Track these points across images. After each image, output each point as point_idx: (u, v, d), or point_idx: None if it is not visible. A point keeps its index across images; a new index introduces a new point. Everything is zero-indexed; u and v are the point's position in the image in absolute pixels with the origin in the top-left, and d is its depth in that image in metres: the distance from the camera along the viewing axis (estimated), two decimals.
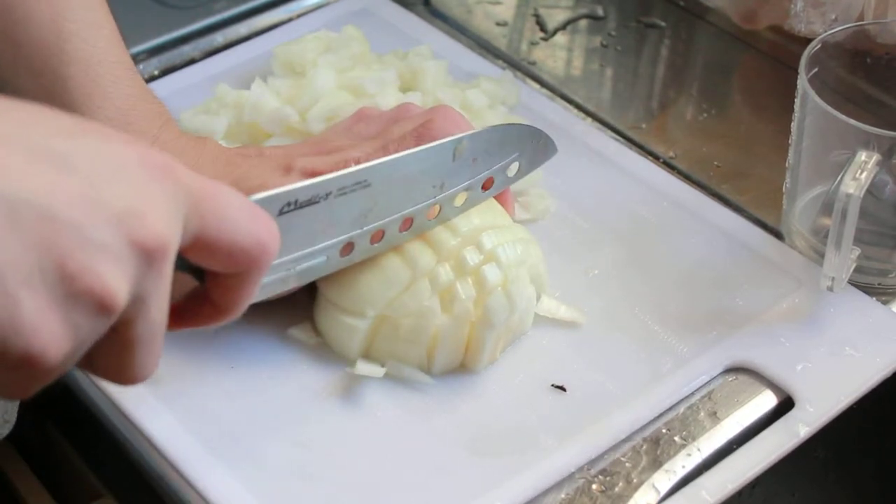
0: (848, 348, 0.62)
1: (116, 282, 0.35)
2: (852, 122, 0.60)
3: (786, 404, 0.60)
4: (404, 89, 0.74)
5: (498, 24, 0.88)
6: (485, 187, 0.60)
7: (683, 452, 0.57)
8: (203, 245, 0.39)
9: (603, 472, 0.56)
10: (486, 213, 0.61)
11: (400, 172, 0.56)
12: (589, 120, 0.79)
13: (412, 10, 0.87)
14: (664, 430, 0.58)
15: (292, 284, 0.54)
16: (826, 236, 0.61)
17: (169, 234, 0.36)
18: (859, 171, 0.59)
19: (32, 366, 0.34)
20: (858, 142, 0.60)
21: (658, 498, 0.55)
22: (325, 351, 0.61)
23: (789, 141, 0.66)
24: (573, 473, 0.56)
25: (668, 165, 0.75)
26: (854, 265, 0.63)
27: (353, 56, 0.75)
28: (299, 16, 0.86)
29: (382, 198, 0.55)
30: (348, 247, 0.55)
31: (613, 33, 0.87)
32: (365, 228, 0.56)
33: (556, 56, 0.86)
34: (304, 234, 0.52)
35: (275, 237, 0.41)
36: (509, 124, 0.61)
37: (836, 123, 0.61)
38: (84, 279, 0.34)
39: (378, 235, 0.57)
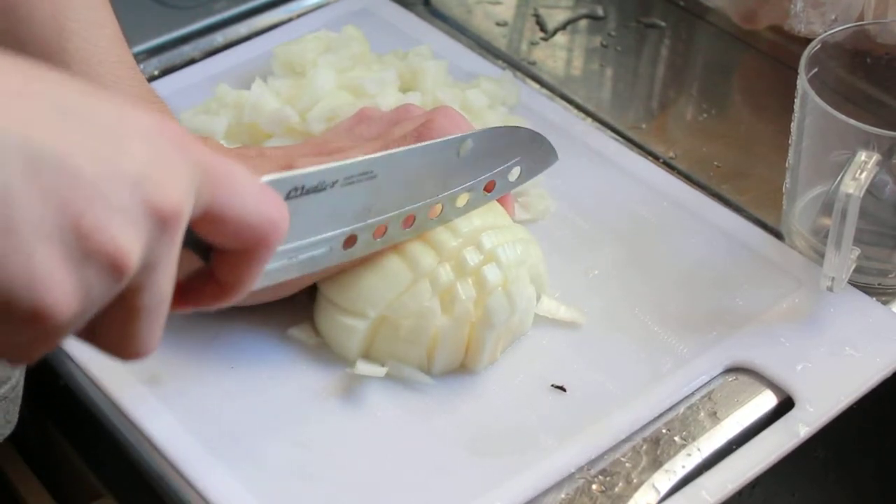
0: (848, 348, 0.62)
1: (130, 244, 0.35)
2: (852, 122, 0.60)
3: (786, 404, 0.60)
4: (404, 89, 0.74)
5: (498, 24, 0.88)
6: (486, 190, 0.60)
7: (683, 452, 0.57)
8: (213, 218, 0.39)
9: (603, 472, 0.56)
10: (487, 214, 0.61)
11: (405, 166, 0.56)
12: (589, 120, 0.79)
13: (412, 10, 0.87)
14: (664, 431, 0.58)
15: (294, 274, 0.53)
16: (826, 236, 0.61)
17: (183, 202, 0.37)
18: (859, 171, 0.59)
19: (40, 322, 0.34)
20: (858, 142, 0.60)
21: (658, 498, 0.55)
22: (325, 351, 0.61)
23: (789, 141, 0.66)
24: (573, 473, 0.56)
25: (668, 165, 0.75)
26: (854, 265, 0.63)
27: (353, 56, 0.75)
28: (299, 16, 0.86)
29: (386, 192, 0.55)
30: (351, 239, 0.55)
31: (613, 33, 0.87)
32: (368, 222, 0.56)
33: (556, 56, 0.86)
34: (308, 222, 0.52)
35: (284, 216, 0.41)
36: (513, 127, 0.62)
37: (836, 123, 0.61)
38: (99, 238, 0.34)
39: (381, 230, 0.57)
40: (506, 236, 0.60)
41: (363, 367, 0.58)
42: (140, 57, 0.81)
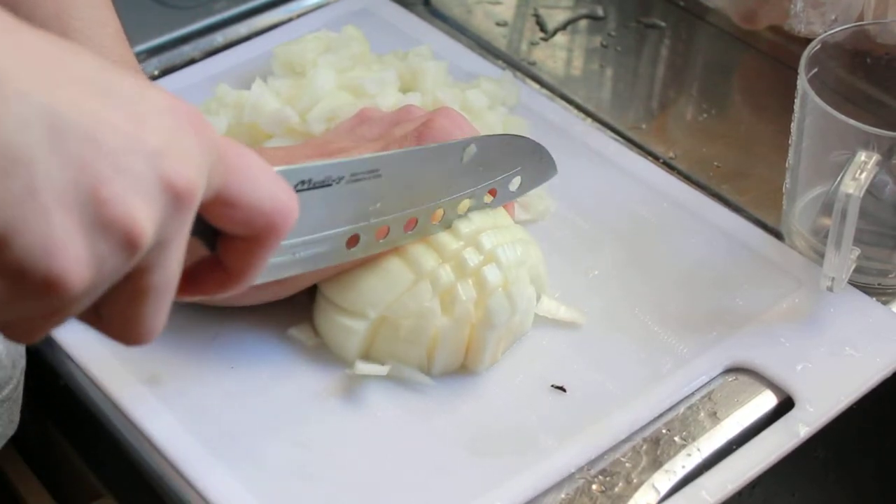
0: (848, 348, 0.62)
1: (145, 218, 0.35)
2: (852, 122, 0.60)
3: (786, 404, 0.60)
4: (404, 90, 0.74)
5: (498, 24, 0.88)
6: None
7: (683, 453, 0.57)
8: (225, 202, 0.39)
9: (603, 472, 0.56)
10: (487, 215, 0.61)
11: (410, 166, 0.56)
12: (589, 120, 0.79)
13: (412, 10, 0.87)
14: (664, 431, 0.58)
15: (296, 270, 0.53)
16: (826, 236, 0.61)
17: (198, 181, 0.37)
18: (859, 172, 0.59)
19: (53, 291, 0.34)
20: (858, 142, 0.60)
21: (658, 498, 0.55)
22: (325, 351, 0.61)
23: (789, 141, 0.66)
24: (573, 474, 0.56)
25: (668, 166, 0.75)
26: (854, 265, 0.63)
27: (353, 56, 0.75)
28: (299, 16, 0.86)
29: (390, 192, 0.56)
30: (353, 239, 0.55)
31: (613, 33, 0.87)
32: (371, 222, 0.56)
33: (556, 56, 0.86)
34: (313, 218, 0.52)
35: (294, 204, 0.41)
36: (516, 136, 0.62)
37: (835, 123, 0.61)
38: (116, 208, 0.34)
39: (383, 232, 0.57)
40: (505, 237, 0.60)
41: (363, 367, 0.58)
42: (140, 57, 0.81)
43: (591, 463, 0.57)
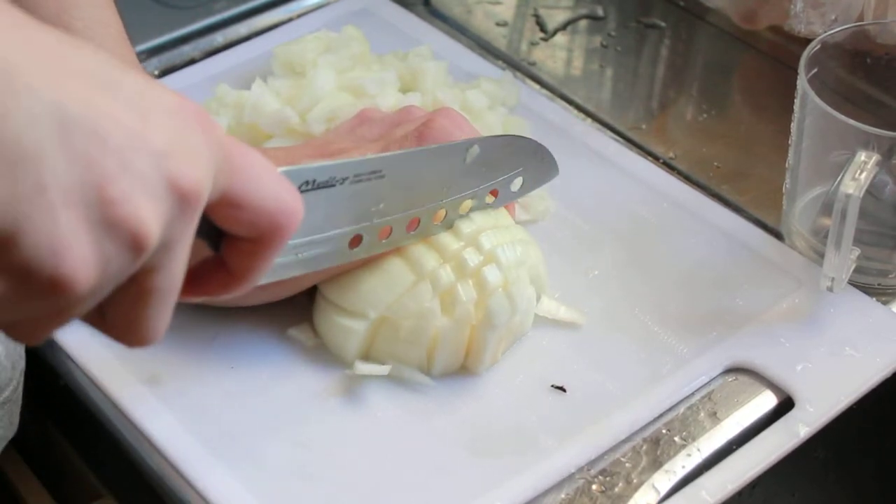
0: (848, 348, 0.62)
1: (151, 218, 0.35)
2: (852, 122, 0.60)
3: (786, 404, 0.60)
4: (404, 90, 0.74)
5: (498, 24, 0.88)
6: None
7: (683, 453, 0.57)
8: (230, 203, 0.39)
9: (603, 472, 0.56)
10: (488, 215, 0.61)
11: (413, 167, 0.56)
12: (589, 120, 0.79)
13: (412, 10, 0.87)
14: (664, 431, 0.58)
15: (299, 271, 0.53)
16: (826, 236, 0.61)
17: (204, 181, 0.37)
18: (859, 172, 0.59)
19: (59, 291, 0.34)
20: (858, 142, 0.60)
21: (658, 498, 0.55)
22: (325, 351, 0.61)
23: (789, 141, 0.66)
24: (573, 474, 0.56)
25: (668, 166, 0.75)
26: (854, 265, 0.63)
27: (353, 56, 0.75)
28: (299, 16, 0.86)
29: (393, 192, 0.56)
30: (356, 239, 0.55)
31: (613, 33, 0.87)
32: (374, 222, 0.56)
33: (556, 56, 0.86)
34: (316, 218, 0.52)
35: (299, 205, 0.41)
36: (518, 137, 0.62)
37: (835, 124, 0.61)
38: (122, 207, 0.34)
39: (386, 232, 0.57)
40: (505, 237, 0.60)
41: (363, 367, 0.58)
42: (140, 57, 0.81)
43: (591, 463, 0.57)
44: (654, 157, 0.75)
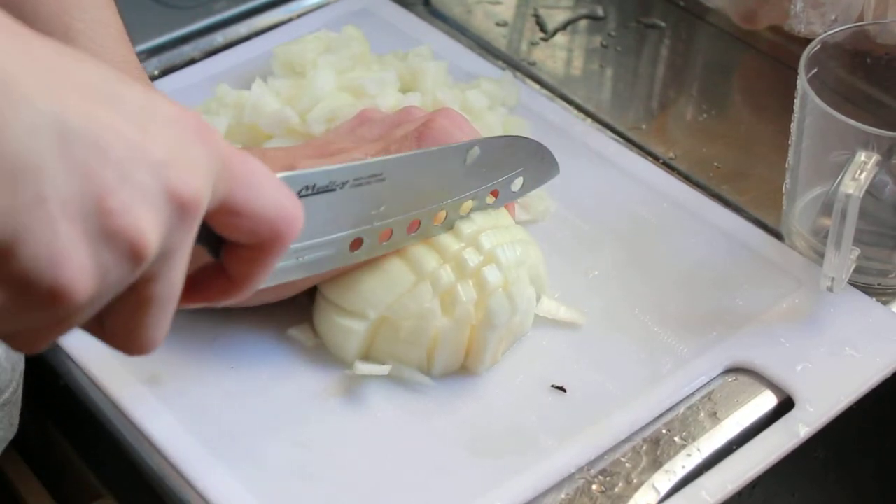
0: (848, 348, 0.62)
1: (151, 229, 0.35)
2: (852, 122, 0.60)
3: (786, 404, 0.60)
4: (404, 90, 0.74)
5: (498, 24, 0.88)
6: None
7: (683, 453, 0.57)
8: (230, 210, 0.39)
9: (603, 472, 0.56)
10: (489, 215, 0.61)
11: (413, 170, 0.56)
12: (589, 120, 0.79)
13: (412, 10, 0.87)
14: (664, 431, 0.58)
15: (300, 274, 0.53)
16: (826, 236, 0.61)
17: (203, 191, 0.37)
18: (859, 172, 0.59)
19: (58, 302, 0.34)
20: (858, 142, 0.60)
21: (658, 498, 0.55)
22: (325, 351, 0.61)
23: (789, 141, 0.66)
24: (573, 474, 0.56)
25: (668, 166, 0.75)
26: (854, 265, 0.63)
27: (353, 56, 0.75)
28: (299, 16, 0.86)
29: (394, 195, 0.56)
30: (357, 242, 0.55)
31: (613, 33, 0.87)
32: (374, 225, 0.56)
33: (556, 56, 0.86)
34: (316, 222, 0.52)
35: (299, 211, 0.41)
36: (519, 137, 0.62)
37: (835, 124, 0.61)
38: (122, 218, 0.34)
39: (386, 234, 0.57)
40: (505, 237, 0.60)
41: (363, 367, 0.58)
42: (140, 57, 0.80)
43: (591, 463, 0.57)
44: (654, 157, 0.75)
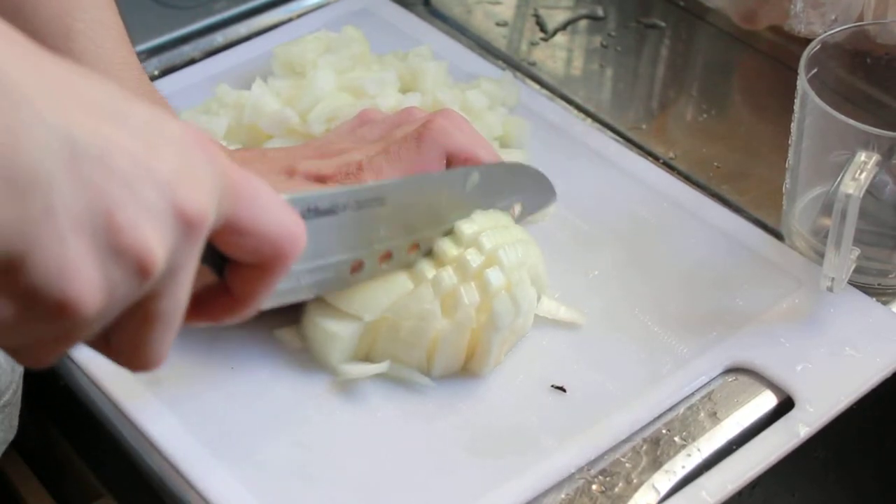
0: (848, 348, 0.62)
1: (157, 245, 0.35)
2: (852, 122, 0.60)
3: (786, 404, 0.60)
4: (404, 90, 0.74)
5: (498, 24, 0.88)
6: None
7: (683, 453, 0.57)
8: (234, 229, 0.39)
9: (603, 472, 0.56)
10: (489, 215, 0.61)
11: (414, 194, 0.57)
12: (589, 120, 0.79)
13: (412, 11, 0.87)
14: (664, 431, 0.58)
15: (301, 297, 0.55)
16: (826, 237, 0.61)
17: (208, 208, 0.37)
18: (859, 172, 0.59)
19: (66, 316, 0.34)
20: (858, 142, 0.60)
21: (658, 498, 0.55)
22: None
23: (789, 141, 0.66)
24: (573, 474, 0.56)
25: (668, 166, 0.75)
26: (854, 265, 0.63)
27: (353, 56, 0.75)
28: (299, 16, 0.86)
29: (394, 218, 0.57)
30: (357, 265, 0.56)
31: (613, 34, 0.87)
32: (375, 247, 0.57)
33: (556, 56, 0.86)
34: (318, 244, 0.53)
35: (302, 232, 0.41)
36: (518, 164, 0.64)
37: (835, 124, 0.61)
38: (129, 234, 0.35)
39: (387, 256, 0.58)
40: (505, 237, 0.60)
41: (350, 370, 0.58)
42: (140, 57, 0.80)
43: (591, 463, 0.57)
44: (654, 157, 0.75)
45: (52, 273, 0.33)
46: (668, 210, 0.70)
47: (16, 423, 0.60)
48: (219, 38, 0.84)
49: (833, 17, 0.74)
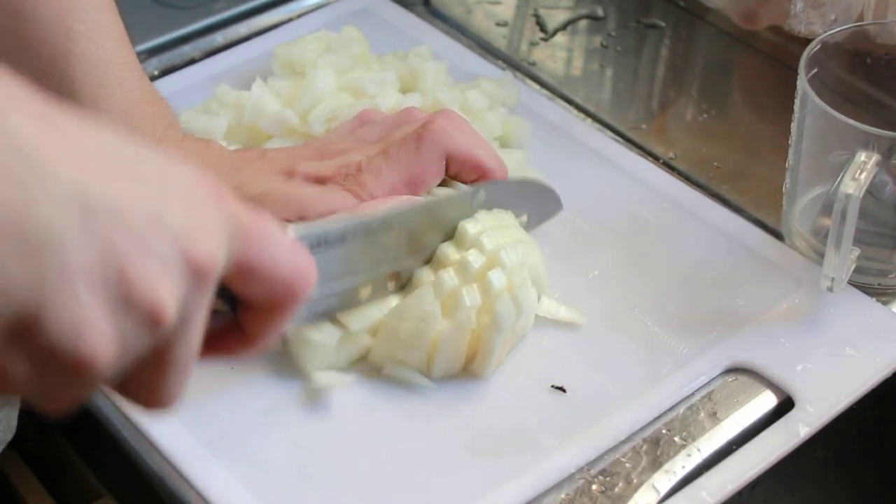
0: (848, 348, 0.62)
1: (168, 296, 0.35)
2: (852, 122, 0.60)
3: (786, 404, 0.60)
4: (404, 90, 0.74)
5: (498, 24, 0.88)
6: None
7: (683, 453, 0.57)
8: (244, 271, 0.40)
9: (603, 472, 0.56)
10: (492, 213, 0.61)
11: (422, 218, 0.58)
12: (589, 120, 0.79)
13: (412, 11, 0.87)
14: (664, 431, 0.58)
15: (311, 322, 0.56)
16: (826, 237, 0.61)
17: (218, 256, 0.37)
18: (859, 172, 0.59)
19: (82, 370, 0.34)
20: (858, 142, 0.60)
21: (658, 498, 0.55)
22: None
23: (789, 141, 0.66)
24: (573, 474, 0.56)
25: (668, 166, 0.75)
26: (854, 265, 0.63)
27: (353, 56, 0.75)
28: (299, 16, 0.86)
29: (403, 241, 0.57)
30: (366, 289, 0.57)
31: (613, 34, 0.87)
32: (383, 269, 0.57)
33: (556, 56, 0.86)
34: (328, 273, 0.54)
35: (312, 269, 0.42)
36: (525, 179, 0.64)
37: (835, 124, 0.61)
38: (142, 287, 0.35)
39: (395, 277, 0.58)
40: (506, 237, 0.60)
41: (322, 378, 0.58)
42: (140, 57, 0.80)
43: (591, 463, 0.57)
44: (654, 157, 0.75)
45: (66, 330, 0.34)
46: (668, 210, 0.70)
47: (14, 423, 0.60)
48: (219, 38, 0.84)
49: (833, 17, 0.74)
